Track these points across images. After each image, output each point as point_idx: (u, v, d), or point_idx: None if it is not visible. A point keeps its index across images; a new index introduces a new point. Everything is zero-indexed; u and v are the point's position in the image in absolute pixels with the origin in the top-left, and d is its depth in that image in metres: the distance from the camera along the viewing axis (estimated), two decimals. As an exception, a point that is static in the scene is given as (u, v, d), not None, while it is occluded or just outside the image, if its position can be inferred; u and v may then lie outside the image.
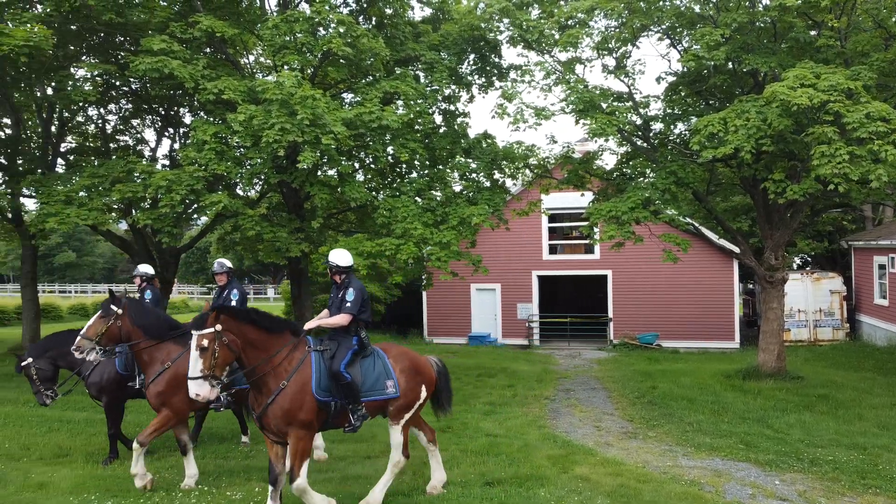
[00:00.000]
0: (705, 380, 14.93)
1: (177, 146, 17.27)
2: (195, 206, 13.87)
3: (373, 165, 15.96)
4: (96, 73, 14.82)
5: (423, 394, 7.01)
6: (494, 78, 16.34)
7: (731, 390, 13.80)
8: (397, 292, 26.81)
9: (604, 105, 13.95)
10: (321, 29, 13.29)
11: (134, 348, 7.47)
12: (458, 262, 15.07)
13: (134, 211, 14.85)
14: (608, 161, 17.22)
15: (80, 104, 15.58)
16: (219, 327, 5.84)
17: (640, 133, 15.33)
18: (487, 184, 15.84)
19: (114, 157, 16.41)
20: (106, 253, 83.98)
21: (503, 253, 24.55)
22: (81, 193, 13.53)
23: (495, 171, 15.98)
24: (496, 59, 16.13)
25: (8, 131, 16.95)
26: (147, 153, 18.85)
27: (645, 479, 7.84)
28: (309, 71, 14.08)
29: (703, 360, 19.54)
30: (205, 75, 12.74)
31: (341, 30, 12.87)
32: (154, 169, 14.07)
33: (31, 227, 13.39)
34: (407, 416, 6.87)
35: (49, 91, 15.10)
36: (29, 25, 12.24)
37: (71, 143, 19.26)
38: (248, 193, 17.71)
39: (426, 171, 15.63)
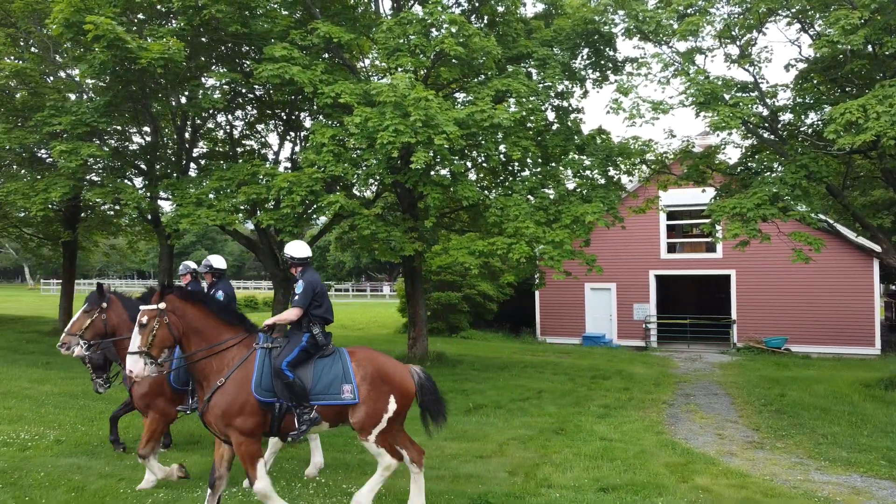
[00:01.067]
0: (841, 388, 13.88)
1: (298, 149, 17.99)
2: (314, 206, 14.37)
3: (485, 164, 15.97)
4: (224, 81, 15.69)
5: (393, 405, 6.20)
6: (609, 72, 15.93)
7: (871, 401, 12.75)
8: (510, 291, 26.74)
9: (726, 96, 13.26)
10: (433, 30, 13.43)
11: (118, 344, 7.12)
12: (572, 262, 14.79)
13: (258, 211, 15.59)
14: (731, 155, 16.42)
15: (210, 111, 16.53)
16: (162, 305, 5.65)
17: (766, 125, 14.46)
18: (602, 181, 15.46)
19: (240, 160, 17.32)
20: (235, 251, 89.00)
21: (619, 252, 23.91)
22: (210, 195, 14.35)
23: (610, 168, 15.57)
24: (610, 53, 15.71)
25: (147, 139, 18.25)
26: (270, 157, 19.78)
27: (772, 494, 7.36)
28: (422, 72, 14.26)
29: (839, 366, 18.20)
30: (322, 80, 13.19)
31: (453, 30, 12.96)
32: (276, 171, 14.71)
33: (167, 227, 14.34)
34: (376, 430, 6.14)
35: (182, 100, 16.11)
36: (165, 39, 13.12)
37: (202, 148, 20.50)
38: (365, 194, 18.19)
39: (538, 169, 15.46)
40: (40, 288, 64.17)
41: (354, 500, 6.27)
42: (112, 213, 21.06)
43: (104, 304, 7.10)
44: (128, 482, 7.06)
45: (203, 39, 15.07)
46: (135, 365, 5.50)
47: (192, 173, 17.99)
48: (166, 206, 18.10)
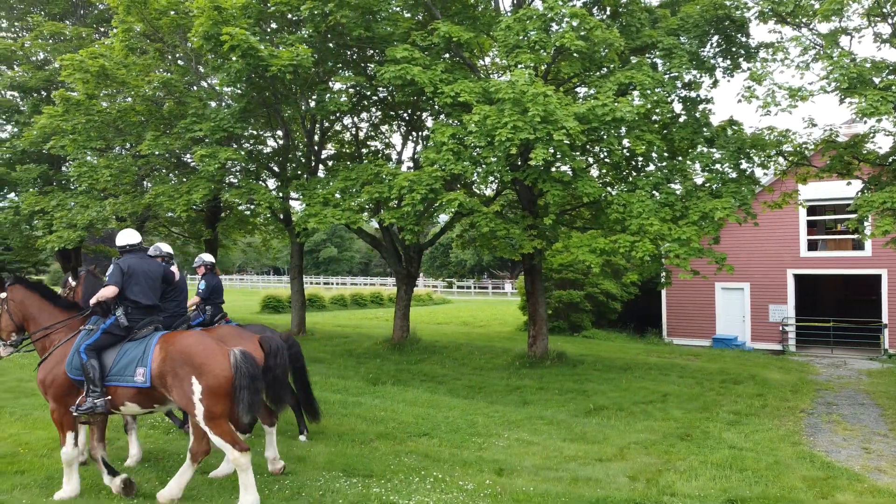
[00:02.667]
0: None
1: (419, 149, 18.31)
2: (434, 204, 14.57)
3: (607, 160, 15.55)
4: (349, 85, 16.22)
5: (196, 387, 5.91)
6: (741, 59, 15.05)
7: None
8: (635, 290, 25.92)
9: (876, 80, 12.16)
10: (553, 25, 13.22)
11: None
12: (700, 260, 14.12)
13: (381, 210, 16.01)
14: (881, 144, 15.04)
15: (337, 114, 17.16)
16: (3, 295, 6.45)
17: (924, 110, 13.14)
18: (733, 175, 14.64)
19: (365, 161, 17.87)
20: (362, 249, 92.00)
21: (753, 250, 22.61)
22: (337, 195, 14.89)
23: (742, 161, 14.72)
24: (743, 39, 14.84)
25: (280, 142, 19.22)
26: (394, 157, 20.29)
27: (928, 517, 6.68)
28: (542, 68, 14.10)
29: None
30: (442, 79, 13.33)
31: (574, 23, 12.70)
32: (398, 171, 15.05)
33: (297, 226, 15.03)
34: (198, 413, 5.93)
35: (311, 104, 16.83)
36: (294, 47, 13.76)
37: (330, 150, 21.35)
38: (485, 191, 18.24)
39: (664, 164, 14.87)
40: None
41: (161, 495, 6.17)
42: (248, 212, 22.34)
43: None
44: (258, 468, 7.42)
45: (329, 45, 15.66)
46: None
47: (321, 174, 18.75)
48: (297, 205, 19.00)
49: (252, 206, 19.72)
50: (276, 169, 18.97)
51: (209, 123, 15.09)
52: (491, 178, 14.58)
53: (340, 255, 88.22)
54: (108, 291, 6.39)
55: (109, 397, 6.17)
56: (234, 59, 13.69)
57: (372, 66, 16.00)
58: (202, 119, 15.51)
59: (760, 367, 17.93)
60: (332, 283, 66.02)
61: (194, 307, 9.10)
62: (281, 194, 17.64)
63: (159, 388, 6.11)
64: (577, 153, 13.54)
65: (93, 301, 6.50)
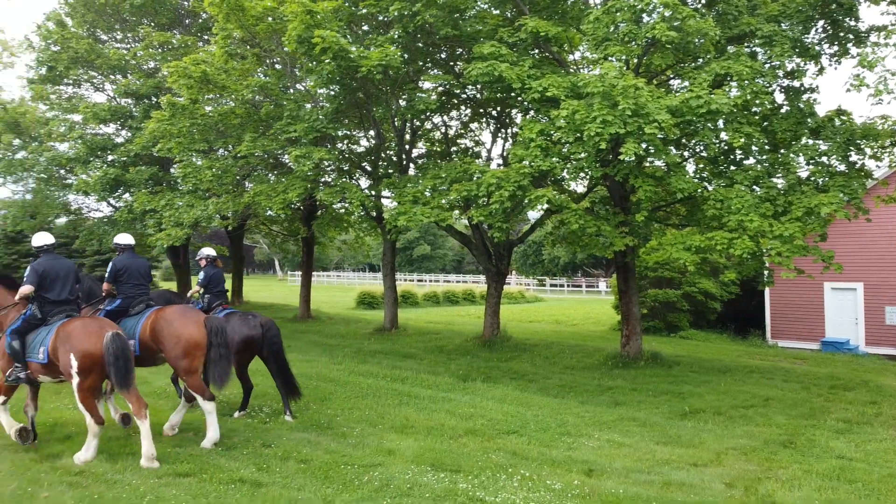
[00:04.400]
0: None
1: (508, 146, 18.25)
2: (523, 202, 14.48)
3: (703, 154, 14.98)
4: (438, 83, 16.36)
5: (74, 362, 7.08)
6: (849, 45, 14.14)
7: None
8: (735, 290, 24.92)
9: None
10: (644, 16, 12.85)
11: None
12: (805, 258, 13.37)
13: (470, 208, 16.06)
14: None
15: (426, 113, 17.34)
16: None
17: None
18: (842, 168, 13.79)
19: (454, 159, 17.96)
20: (455, 246, 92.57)
21: (866, 248, 21.25)
22: (426, 193, 15.05)
23: (852, 153, 13.82)
24: (851, 23, 13.93)
25: (371, 141, 19.61)
26: (483, 154, 20.30)
27: None
28: (633, 60, 13.74)
29: None
30: (530, 75, 13.21)
31: (666, 13, 12.29)
32: (487, 169, 15.04)
33: (388, 223, 15.30)
34: (74, 384, 7.19)
35: (402, 104, 17.09)
36: (382, 47, 14.00)
37: (421, 148, 21.60)
38: (576, 188, 17.97)
39: (765, 157, 14.16)
40: (287, 279, 71.70)
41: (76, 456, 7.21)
42: (342, 210, 22.92)
43: None
44: (349, 458, 7.62)
45: (418, 45, 15.84)
46: None
47: (412, 172, 19.00)
48: (388, 203, 19.34)
49: (345, 205, 20.22)
50: (368, 168, 19.37)
51: (303, 124, 15.58)
52: (580, 175, 14.35)
53: (433, 252, 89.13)
54: (25, 290, 7.60)
55: (29, 370, 7.59)
56: (325, 61, 14.07)
57: (460, 64, 16.08)
58: (297, 120, 16.03)
59: (875, 373, 16.82)
60: (426, 281, 66.76)
61: (197, 294, 10.38)
62: (373, 193, 17.99)
63: (55, 363, 7.33)
64: (671, 147, 13.09)
65: (17, 295, 7.76)
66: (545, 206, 13.80)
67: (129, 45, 27.82)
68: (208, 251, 10.50)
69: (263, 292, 43.91)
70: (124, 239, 8.88)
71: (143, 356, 8.08)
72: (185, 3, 26.85)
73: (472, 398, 11.65)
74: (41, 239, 8.01)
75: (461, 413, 10.34)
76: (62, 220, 31.23)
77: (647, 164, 14.05)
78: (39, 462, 7.13)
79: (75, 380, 7.14)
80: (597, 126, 11.49)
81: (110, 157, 25.77)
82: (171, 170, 25.16)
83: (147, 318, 8.11)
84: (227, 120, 18.09)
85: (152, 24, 26.39)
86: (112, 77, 27.58)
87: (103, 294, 8.66)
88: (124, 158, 25.01)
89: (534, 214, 18.96)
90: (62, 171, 27.04)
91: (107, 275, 8.50)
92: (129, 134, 25.74)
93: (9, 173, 27.66)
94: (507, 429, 9.52)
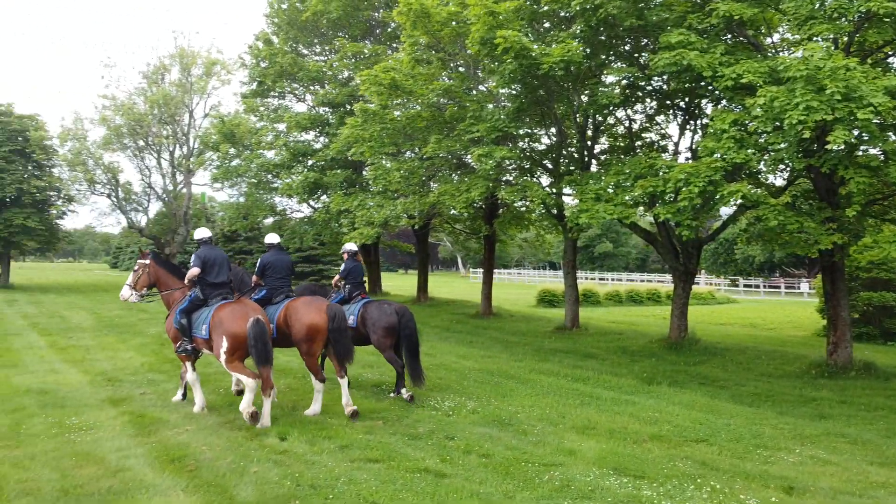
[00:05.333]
0: None
1: (697, 139, 17.32)
2: (714, 197, 13.66)
3: (931, 139, 13.21)
4: (622, 76, 15.90)
5: (225, 342, 8.36)
6: None
7: None
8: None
9: None
10: (857, -13, 11.59)
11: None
12: None
13: (656, 204, 15.45)
14: None
15: (609, 108, 16.92)
16: (145, 262, 9.63)
17: None
18: None
19: (639, 153, 17.36)
20: (639, 244, 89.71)
21: None
22: (609, 190, 14.68)
23: None
24: None
25: (553, 139, 19.51)
26: (670, 148, 19.43)
27: None
28: (844, 38, 12.45)
29: None
30: (722, 62, 12.41)
31: (885, -18, 10.99)
32: (674, 163, 14.37)
33: (569, 221, 15.13)
34: (222, 358, 8.47)
35: (584, 99, 16.82)
36: (564, 43, 13.86)
37: (603, 144, 21.13)
38: (773, 181, 16.64)
39: None
40: (470, 276, 73.43)
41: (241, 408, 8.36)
42: (523, 209, 23.04)
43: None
44: (530, 456, 7.65)
45: (601, 38, 15.49)
46: (124, 292, 9.58)
47: (594, 169, 18.65)
48: (569, 201, 19.14)
49: (526, 203, 20.30)
50: (549, 165, 19.30)
51: (486, 124, 15.84)
52: (779, 167, 13.25)
53: (616, 250, 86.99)
54: (193, 273, 9.04)
55: (193, 344, 9.02)
56: (507, 60, 14.19)
57: (645, 55, 15.49)
58: (479, 121, 16.34)
59: None
60: (607, 279, 65.30)
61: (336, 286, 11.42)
62: (554, 190, 17.89)
63: (210, 340, 8.66)
64: (889, 133, 11.68)
65: (186, 278, 9.22)
66: (739, 201, 12.90)
67: (325, 58, 29.98)
68: (350, 246, 11.43)
69: (446, 289, 45.32)
70: (271, 238, 10.19)
71: (280, 339, 9.33)
72: (376, 14, 28.41)
73: (656, 402, 11.21)
74: (201, 233, 9.50)
75: (645, 417, 9.98)
76: (269, 221, 34.42)
77: (860, 153, 12.65)
78: (250, 440, 7.90)
79: (222, 357, 8.47)
80: (799, 113, 10.54)
81: (310, 162, 27.96)
82: (363, 172, 26.76)
83: (283, 306, 9.37)
84: (413, 123, 18.86)
85: (346, 36, 28.22)
86: (311, 88, 29.91)
87: (253, 285, 9.99)
88: (321, 163, 26.99)
89: (725, 210, 17.80)
90: (269, 176, 29.76)
91: (256, 269, 9.86)
92: (326, 140, 27.76)
93: (226, 179, 31.00)
94: (694, 436, 9.04)
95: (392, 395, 10.45)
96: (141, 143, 38.91)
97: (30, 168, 36.12)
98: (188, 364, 9.18)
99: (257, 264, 9.87)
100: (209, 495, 6.13)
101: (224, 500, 6.03)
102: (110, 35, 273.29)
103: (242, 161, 30.17)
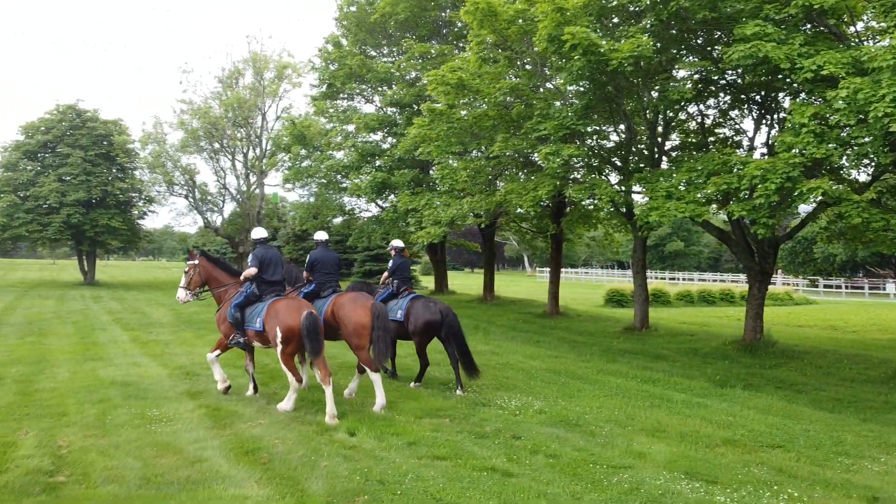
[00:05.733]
0: None
1: (774, 133, 16.71)
2: (792, 194, 13.17)
3: None
4: (694, 71, 15.49)
5: (279, 334, 8.75)
6: None
7: None
8: None
9: None
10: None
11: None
12: None
13: (730, 202, 14.99)
14: None
15: (681, 103, 16.52)
16: (195, 262, 10.02)
17: None
18: None
19: (711, 150, 16.88)
20: (711, 243, 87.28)
21: None
22: (681, 187, 14.32)
23: None
24: None
25: (622, 136, 19.17)
26: (745, 143, 18.80)
27: None
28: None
29: None
30: (801, 53, 11.93)
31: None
32: (749, 159, 13.91)
33: (639, 219, 14.84)
34: (278, 351, 8.87)
35: (654, 95, 16.46)
36: (633, 38, 13.59)
37: (674, 140, 20.62)
38: (856, 177, 15.91)
39: None
40: (536, 275, 72.93)
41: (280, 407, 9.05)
42: (591, 207, 22.73)
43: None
44: (598, 458, 7.55)
45: (672, 32, 15.12)
46: (179, 293, 10.06)
47: (664, 166, 18.23)
48: (639, 199, 18.77)
49: (594, 201, 20.02)
50: (617, 163, 18.98)
51: (553, 122, 15.69)
52: (863, 162, 12.65)
53: (687, 249, 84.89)
54: (250, 272, 9.48)
55: (244, 336, 9.45)
56: (575, 57, 14.02)
57: (718, 48, 15.03)
58: (547, 119, 16.20)
59: None
60: (678, 279, 63.73)
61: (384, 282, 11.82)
62: (623, 188, 17.59)
63: (265, 333, 9.06)
64: None
65: (243, 276, 9.68)
66: (819, 198, 12.39)
67: (393, 59, 30.32)
68: (397, 243, 11.83)
69: (512, 287, 45.15)
70: (320, 236, 10.77)
71: (327, 332, 9.64)
72: (443, 14, 28.54)
73: (730, 405, 10.88)
74: (258, 233, 9.96)
75: (718, 421, 9.70)
76: (338, 220, 35.08)
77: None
78: (320, 434, 8.07)
79: (279, 347, 8.82)
80: (885, 105, 10.04)
81: (378, 163, 28.33)
82: (430, 172, 26.93)
83: (331, 301, 9.90)
84: (480, 122, 18.86)
85: (413, 36, 28.45)
86: (379, 89, 30.29)
87: (304, 280, 10.60)
88: (389, 163, 27.31)
89: (804, 208, 17.11)
90: (338, 177, 30.31)
91: (306, 265, 10.44)
92: (394, 140, 28.07)
93: (297, 180, 31.76)
94: (770, 442, 8.73)
95: (413, 384, 11.08)
96: (216, 145, 40.35)
97: (114, 171, 37.89)
98: (216, 354, 10.02)
99: (307, 260, 10.42)
100: (281, 487, 6.29)
101: (295, 493, 6.18)
102: (187, 40, 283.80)
103: (312, 162, 30.82)
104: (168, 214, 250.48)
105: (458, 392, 10.56)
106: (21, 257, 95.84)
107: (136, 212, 40.03)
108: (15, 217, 34.54)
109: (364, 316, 9.37)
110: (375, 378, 9.25)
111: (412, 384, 11.03)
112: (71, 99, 62.99)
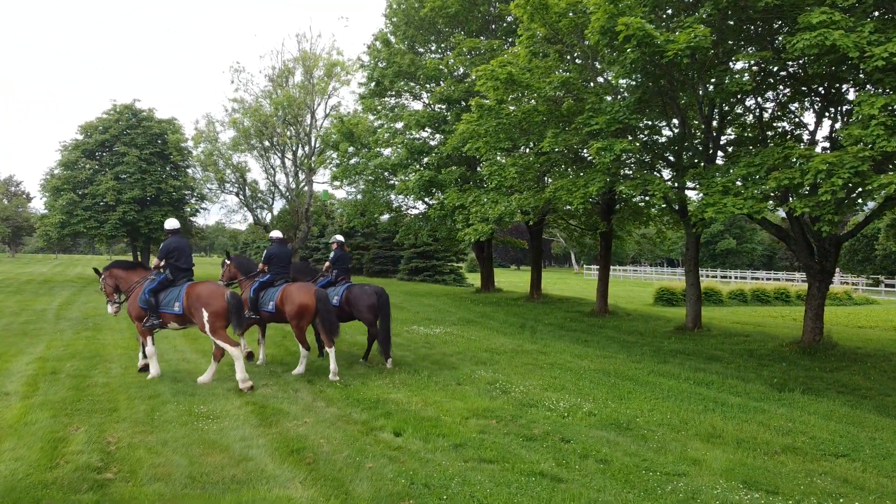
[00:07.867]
0: None
1: (838, 126, 15.98)
2: (859, 190, 12.55)
3: None
4: (752, 62, 14.91)
5: (205, 315, 9.96)
6: None
7: None
8: None
9: None
10: None
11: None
12: None
13: (790, 198, 14.39)
14: None
15: (738, 96, 15.94)
16: (228, 261, 12.62)
17: None
18: None
19: (770, 144, 16.26)
20: (765, 240, 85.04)
21: None
22: (737, 183, 13.81)
23: None
24: None
25: (675, 130, 18.64)
26: (805, 137, 18.07)
27: None
28: None
29: None
30: (871, 41, 11.34)
31: None
32: (812, 153, 13.33)
33: (692, 216, 14.38)
34: (207, 330, 10.02)
35: (710, 88, 15.93)
36: (690, 28, 13.13)
37: (730, 134, 19.96)
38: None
39: None
40: (584, 272, 72.04)
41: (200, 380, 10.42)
42: (642, 204, 22.22)
43: (228, 261, 12.55)
44: (651, 464, 7.26)
45: (730, 22, 14.59)
46: (108, 307, 11.21)
47: (720, 161, 17.66)
48: (693, 195, 18.22)
49: (646, 198, 19.53)
50: (671, 158, 18.45)
51: (605, 117, 15.32)
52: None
53: (739, 247, 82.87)
54: (159, 261, 10.68)
55: (160, 319, 10.49)
56: (628, 50, 13.63)
57: (779, 38, 14.43)
58: (598, 113, 15.83)
59: None
60: (730, 277, 62.19)
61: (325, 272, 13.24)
62: (676, 184, 17.09)
63: (187, 315, 10.24)
64: None
65: (153, 265, 10.85)
66: (890, 193, 11.77)
67: (442, 55, 30.16)
68: (338, 237, 13.28)
69: (559, 285, 44.65)
70: (276, 234, 12.29)
71: (277, 315, 11.45)
72: (492, 8, 28.26)
73: (789, 411, 10.42)
74: (171, 224, 11.02)
75: (777, 427, 9.28)
76: (385, 217, 35.15)
77: None
78: (365, 434, 7.97)
79: (207, 327, 10.02)
80: (962, 95, 9.45)
81: (425, 160, 28.23)
82: (478, 168, 26.71)
83: (281, 289, 11.45)
84: (529, 118, 18.56)
85: (462, 31, 28.24)
86: (428, 86, 30.17)
87: (258, 270, 12.20)
88: (437, 161, 27.18)
89: (870, 204, 16.35)
90: (386, 174, 30.33)
91: (263, 258, 11.96)
92: (442, 137, 27.91)
93: (345, 177, 31.90)
94: (834, 450, 8.30)
95: (362, 361, 12.66)
96: (266, 143, 40.89)
97: (167, 169, 38.75)
98: (149, 340, 11.00)
99: (264, 255, 12.04)
100: (326, 489, 6.20)
101: (340, 495, 6.07)
102: (238, 38, 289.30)
103: (361, 160, 30.91)
104: (219, 212, 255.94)
105: (362, 361, 12.57)
106: (80, 253, 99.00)
107: (189, 209, 40.88)
108: (74, 214, 35.63)
109: (308, 300, 11.09)
110: (304, 354, 11.27)
111: (361, 360, 12.71)
112: (127, 98, 64.72)
